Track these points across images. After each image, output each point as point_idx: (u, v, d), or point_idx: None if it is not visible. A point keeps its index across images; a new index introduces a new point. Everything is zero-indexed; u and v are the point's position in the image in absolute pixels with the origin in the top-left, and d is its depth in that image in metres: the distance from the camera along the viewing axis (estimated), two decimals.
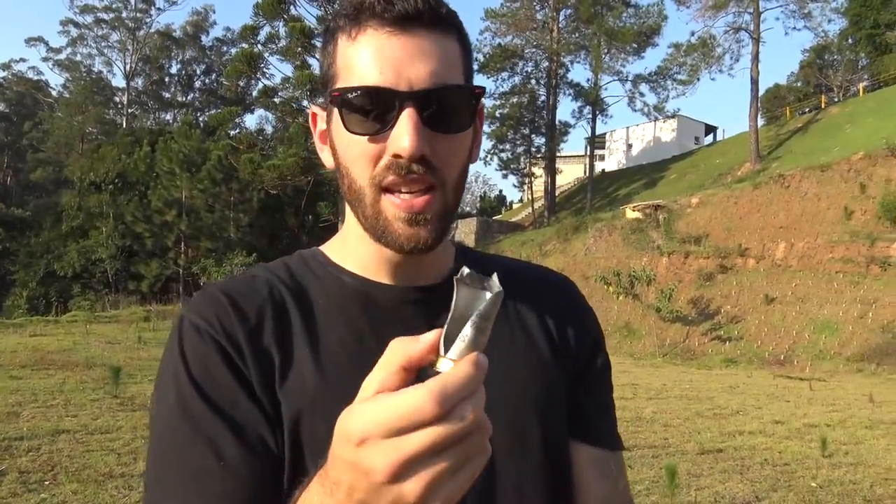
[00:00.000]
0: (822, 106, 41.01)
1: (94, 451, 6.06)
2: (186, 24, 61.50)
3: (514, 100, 45.65)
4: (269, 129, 51.70)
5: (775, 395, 12.23)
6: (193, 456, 0.72)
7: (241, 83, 38.09)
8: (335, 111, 0.78)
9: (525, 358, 0.87)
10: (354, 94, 0.75)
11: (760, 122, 39.15)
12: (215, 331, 0.77)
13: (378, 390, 0.50)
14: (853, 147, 27.48)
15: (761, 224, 25.86)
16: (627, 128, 54.69)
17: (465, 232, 36.46)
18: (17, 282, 35.62)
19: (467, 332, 0.51)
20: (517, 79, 45.75)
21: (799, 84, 53.44)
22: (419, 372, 0.51)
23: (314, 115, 0.88)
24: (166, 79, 63.41)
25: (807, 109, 43.47)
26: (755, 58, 36.28)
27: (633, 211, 30.17)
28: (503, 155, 48.86)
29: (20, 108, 62.92)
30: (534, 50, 45.05)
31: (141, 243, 35.89)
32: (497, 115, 44.45)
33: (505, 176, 54.46)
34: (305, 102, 31.75)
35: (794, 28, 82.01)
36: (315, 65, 30.87)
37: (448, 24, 0.78)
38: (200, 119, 54.46)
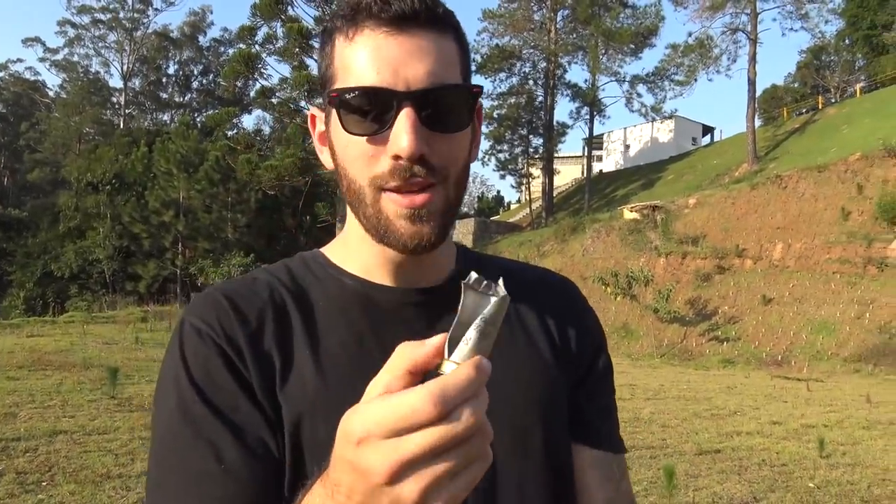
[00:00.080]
0: (819, 107, 41.08)
1: (91, 451, 6.05)
2: (184, 24, 61.47)
3: (512, 100, 45.67)
4: (266, 130, 51.75)
5: (773, 396, 12.25)
6: (194, 459, 0.72)
7: (239, 84, 38.01)
8: (333, 112, 0.78)
9: (526, 360, 0.87)
10: (352, 95, 0.75)
11: (758, 122, 39.20)
12: (216, 334, 0.77)
13: (382, 393, 0.50)
14: (850, 148, 27.51)
15: (759, 225, 25.88)
16: (625, 128, 54.72)
17: (462, 232, 36.46)
18: (13, 282, 35.55)
19: (471, 335, 0.51)
20: (515, 79, 45.80)
21: (796, 85, 53.57)
22: (425, 376, 0.51)
23: (313, 116, 0.88)
24: (163, 79, 63.35)
25: (804, 110, 43.54)
26: (752, 59, 36.34)
27: (631, 212, 30.19)
28: (501, 155, 48.92)
29: (17, 109, 62.82)
30: (531, 51, 45.09)
31: (138, 244, 35.83)
32: (495, 115, 44.49)
33: (503, 176, 54.57)
34: (303, 103, 31.73)
35: (792, 29, 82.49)
36: (313, 65, 30.84)
37: (445, 24, 0.78)
38: (198, 119, 54.38)
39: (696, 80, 40.89)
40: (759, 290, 23.02)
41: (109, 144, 42.75)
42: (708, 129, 55.84)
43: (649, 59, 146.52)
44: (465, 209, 62.94)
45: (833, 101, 44.58)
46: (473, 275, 0.53)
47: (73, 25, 59.20)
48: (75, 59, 61.21)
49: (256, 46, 31.61)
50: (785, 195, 26.43)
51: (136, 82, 61.89)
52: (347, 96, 0.75)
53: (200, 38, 62.72)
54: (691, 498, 5.65)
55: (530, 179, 49.76)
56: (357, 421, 0.50)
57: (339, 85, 0.77)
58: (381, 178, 0.76)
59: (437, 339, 0.51)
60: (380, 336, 0.82)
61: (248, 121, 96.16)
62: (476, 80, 0.85)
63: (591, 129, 45.31)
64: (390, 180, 0.75)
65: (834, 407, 10.94)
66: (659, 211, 29.25)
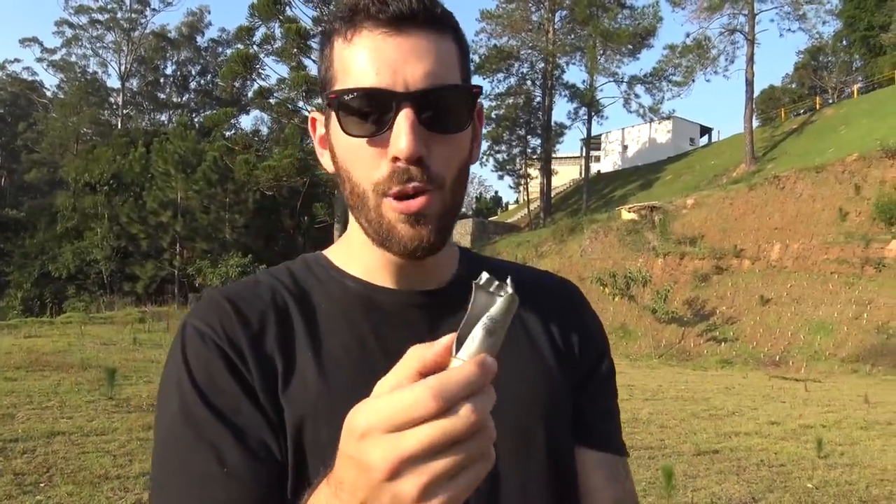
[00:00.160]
0: (817, 107, 41.13)
1: (89, 452, 6.04)
2: (181, 24, 61.40)
3: (510, 101, 45.70)
4: (264, 131, 51.69)
5: (771, 396, 12.26)
6: (197, 462, 0.72)
7: (237, 84, 37.98)
8: (333, 114, 0.77)
9: (529, 362, 0.86)
10: (351, 97, 0.74)
11: (755, 123, 39.25)
12: (218, 337, 0.77)
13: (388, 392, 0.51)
14: (848, 148, 27.55)
15: (756, 225, 25.91)
16: (623, 129, 54.75)
17: (460, 233, 36.47)
18: (11, 283, 35.50)
19: (477, 333, 0.51)
20: (513, 80, 45.84)
21: (793, 86, 53.59)
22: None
23: (313, 120, 0.88)
24: (161, 80, 63.26)
25: (801, 111, 43.58)
26: (750, 59, 36.40)
27: (629, 212, 30.21)
28: (499, 156, 48.96)
29: (14, 109, 62.73)
30: (529, 51, 45.12)
31: (136, 244, 35.79)
32: (493, 116, 44.49)
33: (501, 177, 54.41)
34: (301, 103, 31.72)
35: (789, 30, 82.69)
36: (311, 66, 30.84)
37: (444, 24, 0.78)
38: (196, 120, 54.32)
39: (693, 80, 40.93)
40: (757, 290, 23.05)
41: (107, 145, 42.70)
42: (706, 130, 55.91)
43: (647, 60, 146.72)
44: (463, 209, 62.66)
45: (830, 101, 44.64)
46: (484, 275, 0.53)
47: (71, 25, 59.20)
48: (73, 59, 61.24)
49: (254, 47, 31.60)
50: (783, 196, 26.46)
51: (134, 82, 61.85)
52: (346, 98, 0.75)
53: (198, 39, 62.72)
54: (690, 498, 5.65)
55: (528, 180, 49.75)
56: (360, 416, 0.50)
57: (338, 86, 0.77)
58: (381, 183, 0.75)
59: (447, 339, 0.52)
60: (382, 338, 0.81)
61: (246, 121, 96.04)
62: (474, 80, 0.84)
63: (588, 130, 45.37)
64: (390, 185, 0.75)
65: (832, 407, 10.95)
66: (657, 211, 29.27)
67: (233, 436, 0.72)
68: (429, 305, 0.85)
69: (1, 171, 59.43)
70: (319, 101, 0.85)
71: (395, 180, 0.74)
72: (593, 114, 44.84)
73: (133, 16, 58.99)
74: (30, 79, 64.84)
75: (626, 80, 43.91)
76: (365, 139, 0.75)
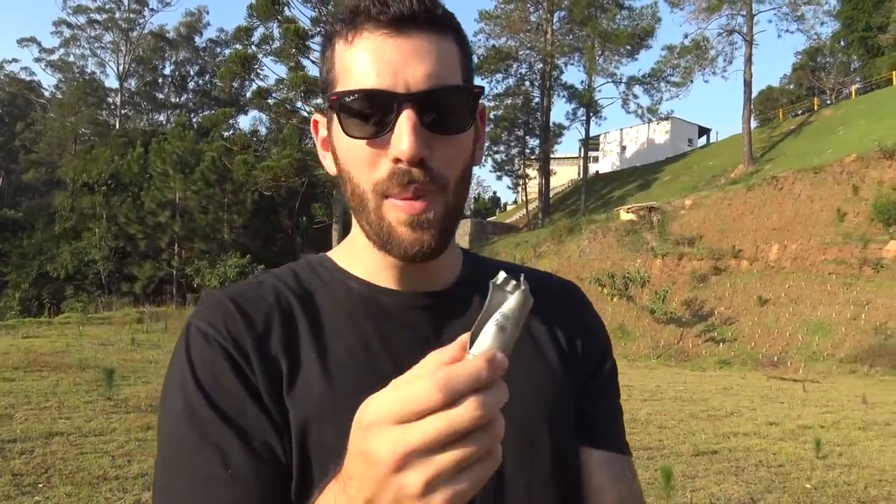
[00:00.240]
0: (815, 108, 41.18)
1: (87, 453, 6.04)
2: (180, 25, 61.35)
3: (509, 101, 45.72)
4: (262, 131, 51.57)
5: (769, 397, 12.27)
6: (201, 463, 0.71)
7: (235, 84, 37.96)
8: (334, 116, 0.77)
9: (532, 364, 0.86)
10: (352, 98, 0.74)
11: (753, 124, 39.28)
12: (223, 338, 0.77)
13: None
14: (846, 149, 27.58)
15: (754, 226, 25.93)
16: (621, 130, 54.79)
17: (459, 234, 35.89)
18: (9, 283, 35.43)
19: (489, 329, 0.52)
20: (511, 80, 45.86)
21: (792, 86, 53.65)
22: None
23: (315, 122, 0.88)
24: (160, 80, 63.21)
25: (799, 112, 43.64)
26: (748, 60, 36.43)
27: (627, 213, 30.21)
28: (497, 156, 49.02)
29: (12, 109, 62.65)
30: (528, 52, 45.12)
31: (134, 245, 35.75)
32: (491, 116, 44.45)
33: (499, 177, 54.54)
34: (299, 104, 31.72)
35: (787, 30, 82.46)
36: (309, 66, 30.83)
37: (445, 25, 0.78)
38: (194, 120, 54.30)
39: (692, 81, 40.95)
40: (755, 291, 23.07)
41: (105, 145, 42.65)
42: (704, 131, 55.97)
43: (645, 61, 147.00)
44: None
45: (828, 102, 44.69)
46: (502, 274, 0.54)
47: (69, 25, 59.14)
48: (71, 59, 61.17)
49: (253, 47, 31.57)
50: (781, 196, 26.48)
51: (132, 83, 61.80)
52: (347, 100, 0.75)
53: (197, 39, 62.66)
54: (689, 499, 5.65)
55: (527, 180, 49.81)
56: (369, 408, 0.51)
57: (339, 88, 0.77)
58: (382, 183, 0.75)
59: (463, 337, 0.52)
60: (386, 340, 0.81)
61: (245, 121, 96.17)
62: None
63: (587, 131, 45.37)
64: (391, 186, 0.75)
65: (830, 408, 10.96)
66: (655, 212, 29.29)
67: (237, 437, 0.72)
68: (433, 307, 0.85)
69: None
70: (318, 101, 0.85)
71: (396, 181, 0.74)
72: (592, 114, 44.86)
73: (131, 16, 58.96)
74: (28, 79, 64.82)
75: (624, 80, 43.96)
76: (366, 141, 0.75)
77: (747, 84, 36.31)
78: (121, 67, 59.15)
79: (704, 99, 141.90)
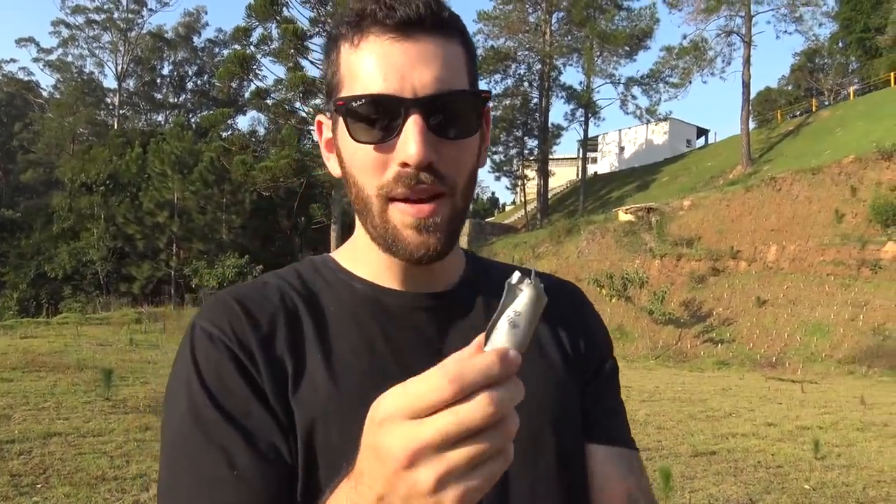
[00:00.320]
0: (813, 109, 41.22)
1: (86, 453, 6.03)
2: (178, 25, 61.30)
3: (507, 102, 45.79)
4: (261, 131, 51.58)
5: (767, 398, 12.27)
6: (206, 464, 0.71)
7: (234, 85, 37.93)
8: (340, 120, 0.77)
9: (534, 364, 0.86)
10: (359, 103, 0.74)
11: (752, 125, 39.32)
12: (228, 338, 0.77)
13: None
14: (844, 150, 27.62)
15: (753, 227, 25.96)
16: (620, 130, 54.86)
17: None
18: (7, 283, 35.38)
19: (502, 325, 0.52)
20: (510, 81, 45.95)
21: (790, 87, 53.68)
22: None
23: (319, 123, 0.88)
24: (158, 80, 63.15)
25: (798, 113, 43.69)
26: (746, 61, 36.47)
27: (626, 213, 30.24)
28: (496, 157, 49.08)
29: (10, 109, 62.57)
30: (526, 52, 45.19)
31: (132, 245, 35.73)
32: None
33: (497, 178, 54.62)
34: (298, 104, 31.69)
35: (786, 32, 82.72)
36: (308, 67, 30.84)
37: (451, 28, 0.78)
38: (192, 120, 54.27)
39: (690, 82, 41.03)
40: (754, 291, 23.09)
41: (103, 145, 42.62)
42: (702, 132, 56.04)
43: (644, 62, 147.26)
44: None
45: (827, 103, 44.74)
46: (517, 274, 0.54)
47: (68, 26, 59.08)
48: (69, 59, 61.07)
49: (251, 47, 31.55)
50: (779, 197, 26.52)
51: (131, 83, 61.78)
52: (354, 104, 0.74)
53: (195, 39, 62.63)
54: (687, 499, 5.66)
55: (525, 181, 49.86)
56: (382, 404, 0.51)
57: (345, 92, 0.77)
58: (387, 186, 0.75)
59: (478, 337, 0.52)
60: (391, 340, 0.82)
61: (243, 122, 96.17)
62: None
63: (585, 131, 45.41)
64: (397, 188, 0.75)
65: (828, 409, 10.97)
66: (653, 213, 29.31)
67: (243, 438, 0.72)
68: (436, 308, 0.85)
69: None
70: (317, 102, 0.85)
71: (402, 184, 0.74)
72: (590, 115, 44.91)
73: (130, 16, 58.92)
74: (26, 79, 64.71)
75: (622, 81, 44.00)
76: (372, 145, 0.75)
77: (746, 85, 36.36)
78: (119, 67, 59.14)
79: (703, 100, 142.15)
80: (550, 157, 47.39)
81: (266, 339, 0.78)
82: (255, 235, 37.07)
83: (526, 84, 46.60)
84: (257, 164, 29.89)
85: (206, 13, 79.66)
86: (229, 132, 41.36)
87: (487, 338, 0.52)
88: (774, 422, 9.43)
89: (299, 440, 0.74)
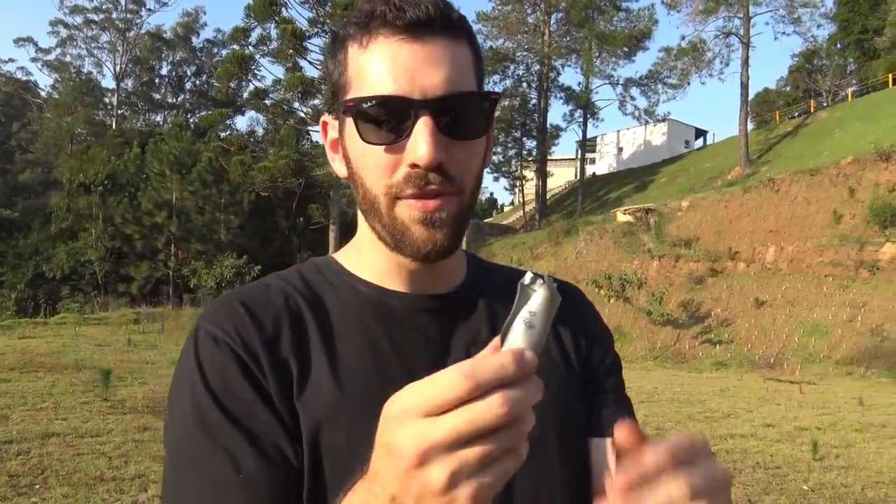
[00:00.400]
0: (812, 110, 41.27)
1: (84, 454, 6.03)
2: (177, 25, 61.31)
3: (506, 103, 45.73)
4: (259, 131, 51.65)
5: (766, 399, 12.28)
6: (211, 467, 0.71)
7: (232, 85, 37.98)
8: (349, 121, 0.77)
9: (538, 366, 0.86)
10: (369, 104, 0.74)
11: (750, 126, 39.39)
12: (232, 340, 0.76)
13: None
14: (842, 151, 27.65)
15: (751, 228, 25.98)
16: (618, 131, 54.93)
17: None
18: (4, 283, 35.31)
19: (517, 326, 0.52)
20: (508, 82, 45.97)
21: (788, 88, 53.70)
22: None
23: (325, 123, 0.88)
24: (156, 80, 63.14)
25: (796, 114, 43.74)
26: (745, 62, 36.52)
27: (624, 214, 30.25)
28: (494, 158, 48.98)
29: (8, 109, 62.50)
30: (525, 53, 45.25)
31: (130, 245, 35.70)
32: None
33: (496, 179, 54.60)
34: (296, 104, 31.68)
35: (784, 33, 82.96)
36: (307, 67, 30.84)
37: (459, 30, 0.78)
38: (191, 120, 54.26)
39: (689, 83, 41.10)
40: (752, 292, 23.10)
41: (102, 145, 42.57)
42: (701, 133, 56.12)
43: (643, 63, 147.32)
44: None
45: (825, 104, 44.77)
46: (529, 275, 0.54)
47: (66, 25, 59.04)
48: (68, 59, 61.04)
49: (250, 48, 31.51)
50: (777, 198, 26.54)
51: (129, 83, 61.74)
52: (364, 106, 0.74)
53: (194, 39, 62.63)
54: None
55: (524, 182, 49.88)
56: (396, 401, 0.51)
57: (353, 93, 0.77)
58: (396, 186, 0.75)
59: (495, 340, 0.52)
60: (395, 342, 0.81)
61: (242, 122, 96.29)
62: None
63: (584, 132, 45.46)
64: (406, 189, 0.75)
65: (827, 409, 10.98)
66: (652, 214, 29.33)
67: (248, 441, 0.72)
68: (440, 309, 0.85)
69: None
70: (315, 102, 0.84)
71: (411, 184, 0.75)
72: (589, 116, 44.97)
73: (128, 16, 58.91)
74: (24, 79, 64.73)
75: (621, 82, 44.07)
76: (382, 146, 0.75)
77: (744, 86, 36.42)
78: (117, 67, 59.11)
79: (701, 101, 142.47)
80: (549, 157, 47.43)
81: (270, 341, 0.78)
82: (254, 236, 37.06)
83: (524, 85, 46.71)
84: (256, 164, 29.87)
85: (204, 13, 79.89)
86: (228, 132, 41.35)
87: (503, 339, 0.52)
88: (773, 423, 9.44)
89: (304, 443, 0.74)
